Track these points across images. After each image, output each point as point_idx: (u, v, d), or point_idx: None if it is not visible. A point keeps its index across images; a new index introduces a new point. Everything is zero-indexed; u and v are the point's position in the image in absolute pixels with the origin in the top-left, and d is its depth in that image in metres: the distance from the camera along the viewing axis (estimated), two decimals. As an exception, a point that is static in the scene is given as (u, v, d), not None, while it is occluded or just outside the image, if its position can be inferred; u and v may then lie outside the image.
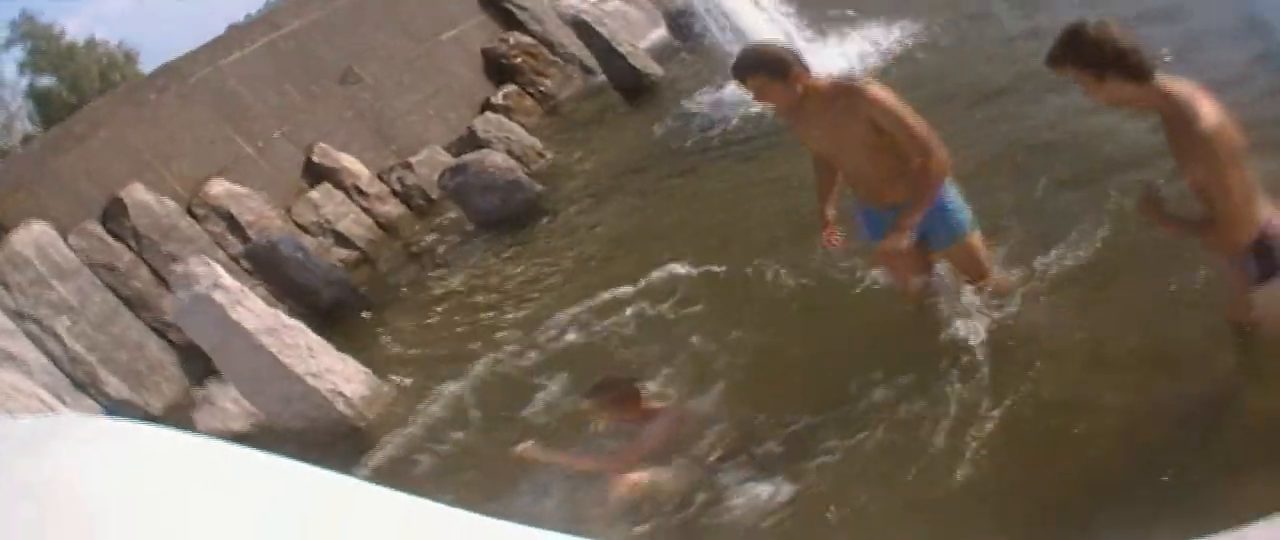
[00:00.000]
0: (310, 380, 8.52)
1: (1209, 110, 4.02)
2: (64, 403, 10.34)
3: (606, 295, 8.25)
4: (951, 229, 5.62)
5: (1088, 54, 4.18)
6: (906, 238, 5.37)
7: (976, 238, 5.74)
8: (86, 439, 3.06)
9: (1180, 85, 4.16)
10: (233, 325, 8.64)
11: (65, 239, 12.43)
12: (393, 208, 15.33)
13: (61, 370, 11.46)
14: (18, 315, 11.50)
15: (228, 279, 9.11)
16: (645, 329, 7.59)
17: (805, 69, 5.43)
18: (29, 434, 3.20)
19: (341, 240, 14.50)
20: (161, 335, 12.34)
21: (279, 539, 2.20)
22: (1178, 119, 4.08)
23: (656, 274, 8.03)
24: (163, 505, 2.51)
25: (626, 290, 8.10)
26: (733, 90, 13.24)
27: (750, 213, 9.19)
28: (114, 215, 13.02)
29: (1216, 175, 4.03)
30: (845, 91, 5.39)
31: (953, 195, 5.55)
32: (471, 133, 15.49)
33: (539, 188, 12.78)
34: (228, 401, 9.80)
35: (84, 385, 11.34)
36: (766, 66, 5.42)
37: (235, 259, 13.04)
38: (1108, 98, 4.31)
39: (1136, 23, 5.81)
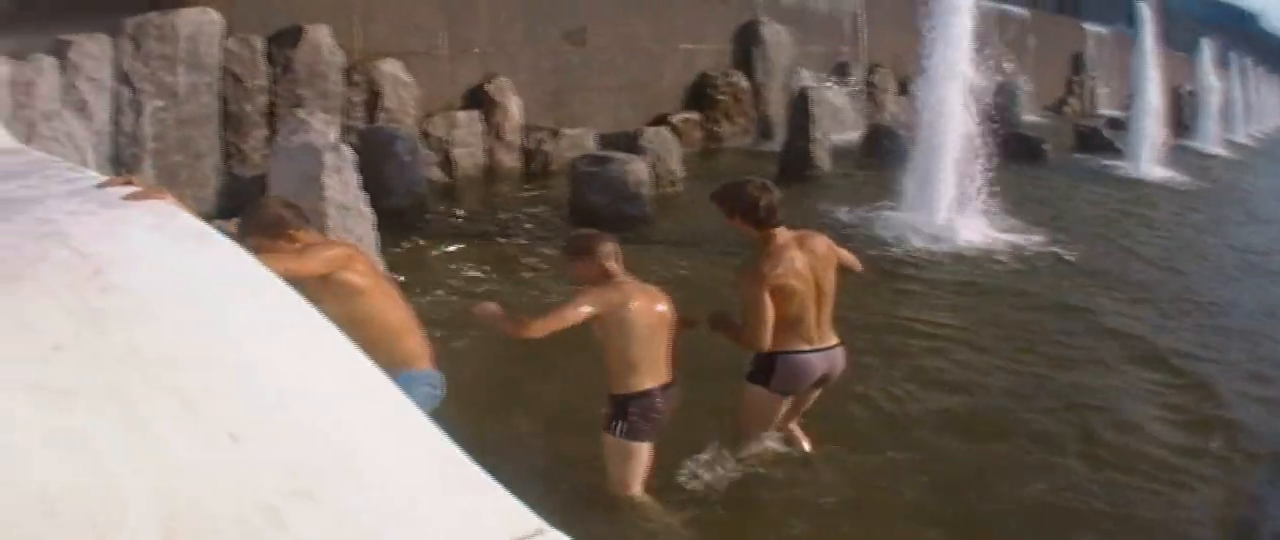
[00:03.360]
0: (335, 262, 8.68)
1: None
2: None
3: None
4: None
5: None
6: None
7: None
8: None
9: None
10: (316, 186, 8.96)
11: (224, 37, 12.59)
12: (511, 160, 15.75)
13: (115, 140, 11.61)
14: (124, 77, 11.65)
15: (345, 147, 9.51)
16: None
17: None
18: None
19: (446, 164, 14.87)
20: (225, 159, 12.59)
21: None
22: None
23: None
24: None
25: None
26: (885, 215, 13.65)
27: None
28: (284, 41, 13.25)
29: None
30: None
31: None
32: (635, 135, 15.63)
33: (649, 211, 12.89)
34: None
35: (123, 163, 11.42)
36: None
37: (350, 129, 13.31)
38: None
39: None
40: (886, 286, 10.71)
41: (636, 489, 5.65)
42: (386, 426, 2.51)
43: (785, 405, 6.19)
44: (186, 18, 12.16)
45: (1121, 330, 9.84)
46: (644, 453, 5.61)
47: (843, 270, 6.22)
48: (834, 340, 6.15)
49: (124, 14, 11.86)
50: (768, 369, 5.99)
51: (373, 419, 2.55)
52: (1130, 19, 27.61)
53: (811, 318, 5.96)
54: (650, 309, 5.47)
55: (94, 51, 11.41)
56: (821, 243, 6.11)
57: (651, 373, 5.48)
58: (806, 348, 5.98)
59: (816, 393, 6.32)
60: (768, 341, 5.83)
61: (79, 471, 2.08)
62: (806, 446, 6.50)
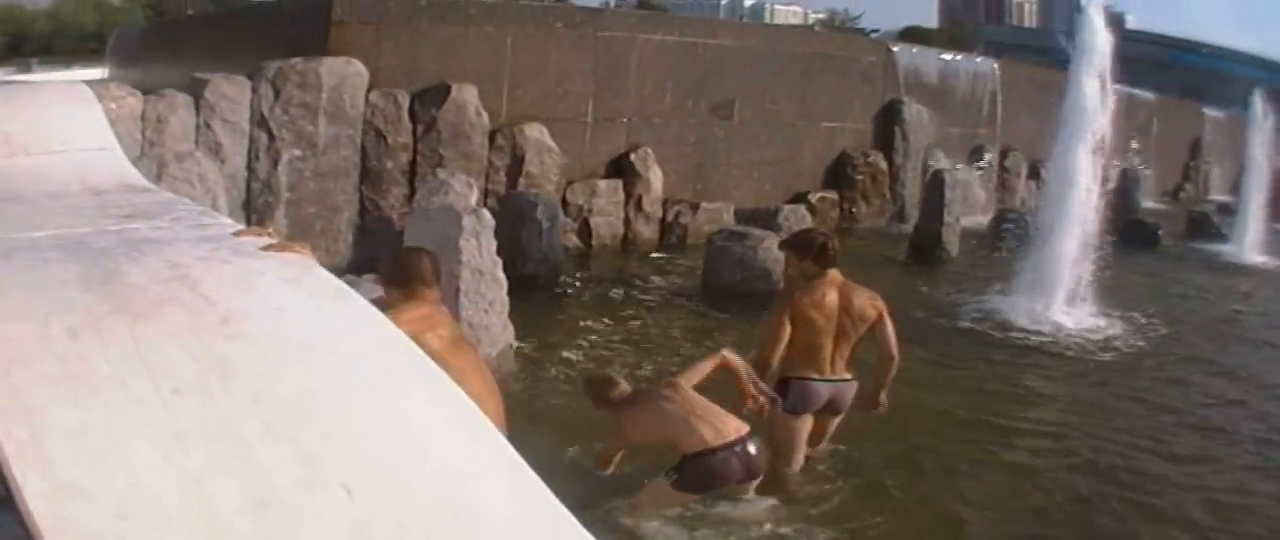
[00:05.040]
0: (465, 327, 8.47)
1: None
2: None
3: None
4: None
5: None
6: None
7: None
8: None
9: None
10: (454, 248, 8.88)
11: (369, 91, 12.54)
12: (648, 231, 15.67)
13: (248, 187, 11.57)
14: (260, 121, 11.57)
15: (485, 212, 9.45)
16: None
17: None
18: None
19: (583, 231, 14.84)
20: (360, 215, 12.51)
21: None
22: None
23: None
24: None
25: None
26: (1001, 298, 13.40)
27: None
28: (428, 99, 13.19)
29: None
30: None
31: None
32: (773, 212, 15.77)
33: (780, 287, 12.39)
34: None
35: (255, 211, 11.43)
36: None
37: (489, 193, 13.32)
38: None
39: None
40: (987, 370, 10.74)
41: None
42: (499, 485, 2.57)
43: (805, 424, 6.95)
44: (331, 67, 12.13)
45: (1219, 424, 9.58)
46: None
47: (877, 331, 6.91)
48: (846, 376, 6.94)
49: (263, 59, 11.92)
50: (783, 391, 6.69)
51: (486, 477, 2.61)
52: (1247, 102, 27.66)
53: (826, 353, 6.80)
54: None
55: (231, 93, 11.41)
56: (866, 299, 6.88)
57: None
58: (817, 377, 6.82)
59: (834, 421, 7.11)
60: (775, 357, 6.73)
61: (186, 513, 2.11)
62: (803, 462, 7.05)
